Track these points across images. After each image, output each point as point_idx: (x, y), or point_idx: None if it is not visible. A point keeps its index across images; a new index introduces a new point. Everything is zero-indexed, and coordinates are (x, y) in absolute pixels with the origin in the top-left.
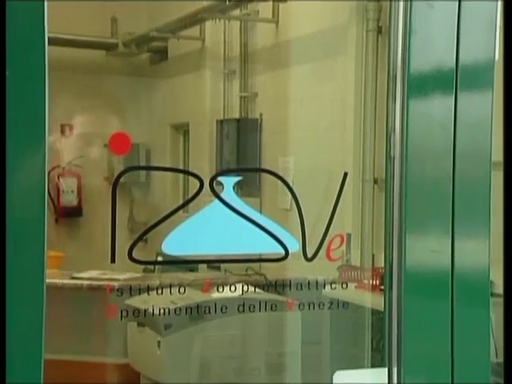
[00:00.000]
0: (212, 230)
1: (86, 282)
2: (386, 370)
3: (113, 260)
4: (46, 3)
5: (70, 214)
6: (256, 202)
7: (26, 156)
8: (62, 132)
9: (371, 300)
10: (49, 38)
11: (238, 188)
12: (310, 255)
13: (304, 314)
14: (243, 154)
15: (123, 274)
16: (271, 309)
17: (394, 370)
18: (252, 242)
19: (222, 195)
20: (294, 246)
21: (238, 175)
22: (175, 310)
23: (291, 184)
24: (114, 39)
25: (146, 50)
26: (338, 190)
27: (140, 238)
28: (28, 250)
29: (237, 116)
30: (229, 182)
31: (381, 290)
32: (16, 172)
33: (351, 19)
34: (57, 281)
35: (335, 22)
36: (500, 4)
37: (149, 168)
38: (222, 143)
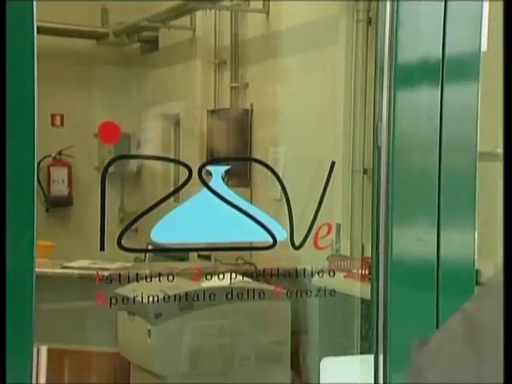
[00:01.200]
0: (200, 218)
1: (76, 271)
2: (372, 356)
3: (102, 248)
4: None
5: (60, 204)
6: (247, 192)
7: (15, 145)
8: (53, 121)
9: (360, 289)
10: (40, 28)
11: (229, 178)
12: (298, 244)
13: (293, 303)
14: (234, 144)
15: (113, 263)
16: (259, 297)
17: (381, 356)
18: (240, 230)
19: (211, 184)
20: (282, 235)
21: (227, 164)
22: (165, 298)
23: (281, 174)
24: (104, 28)
25: (136, 40)
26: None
27: (129, 226)
28: (18, 239)
29: (227, 106)
30: (217, 170)
31: (369, 279)
32: (5, 161)
33: (341, 10)
34: (47, 270)
35: (326, 13)
36: None
37: (138, 157)
38: (213, 133)
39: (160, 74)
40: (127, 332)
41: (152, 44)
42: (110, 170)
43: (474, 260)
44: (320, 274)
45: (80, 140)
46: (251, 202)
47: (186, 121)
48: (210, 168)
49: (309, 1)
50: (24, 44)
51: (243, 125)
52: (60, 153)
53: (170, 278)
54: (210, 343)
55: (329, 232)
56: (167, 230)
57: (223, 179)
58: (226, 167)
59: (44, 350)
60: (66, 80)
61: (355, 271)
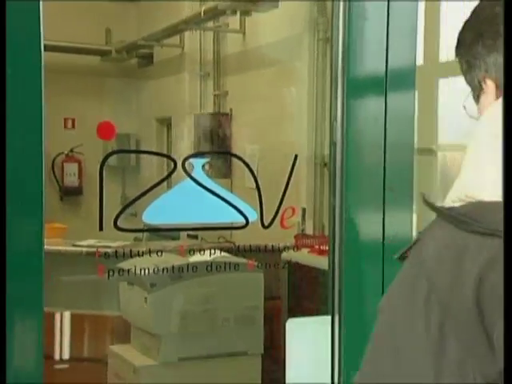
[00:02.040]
0: (184, 203)
1: (84, 249)
2: (329, 317)
3: (101, 228)
4: (41, 17)
5: (72, 193)
6: (228, 182)
7: (26, 144)
8: (65, 124)
9: (321, 262)
10: (54, 46)
11: (212, 171)
12: (266, 224)
13: (266, 273)
14: (216, 143)
15: (114, 242)
16: (234, 269)
17: (336, 317)
18: (218, 213)
19: (193, 174)
20: (253, 216)
21: (206, 157)
22: (155, 270)
23: (256, 167)
24: (108, 47)
25: (134, 56)
26: (294, 170)
27: (123, 211)
28: (31, 219)
29: (211, 111)
30: (198, 163)
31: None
32: (16, 157)
33: (305, 30)
34: (61, 248)
35: (292, 33)
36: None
37: (129, 151)
38: (199, 133)
39: (154, 84)
40: (127, 299)
41: (148, 59)
42: (113, 163)
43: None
44: (287, 250)
45: (88, 139)
46: (231, 191)
47: (177, 123)
48: (191, 161)
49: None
50: (34, 58)
51: (224, 126)
52: (71, 150)
53: (160, 253)
54: (197, 308)
55: (293, 214)
56: (155, 212)
57: (204, 170)
58: (205, 160)
59: (67, 314)
60: (76, 90)
61: (317, 247)
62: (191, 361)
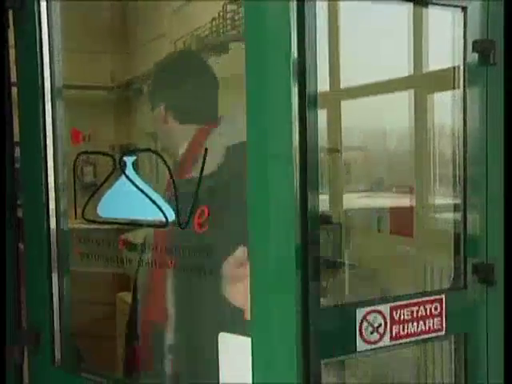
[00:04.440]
0: (122, 198)
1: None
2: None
3: (75, 217)
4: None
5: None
6: None
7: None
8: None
9: None
10: (76, 85)
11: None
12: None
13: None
14: None
15: None
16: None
17: None
18: (146, 210)
19: (126, 171)
20: (172, 216)
21: (135, 155)
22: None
23: None
24: (111, 84)
25: (131, 89)
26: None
27: (87, 203)
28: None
29: None
30: (129, 161)
31: None
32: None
33: None
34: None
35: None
36: None
37: (91, 153)
38: None
39: (144, 108)
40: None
41: (140, 91)
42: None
43: None
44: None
45: (100, 149)
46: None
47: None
48: (124, 158)
49: None
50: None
51: None
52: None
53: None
54: None
55: (206, 215)
56: (104, 206)
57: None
58: (134, 157)
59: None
60: (89, 114)
61: None
62: None
